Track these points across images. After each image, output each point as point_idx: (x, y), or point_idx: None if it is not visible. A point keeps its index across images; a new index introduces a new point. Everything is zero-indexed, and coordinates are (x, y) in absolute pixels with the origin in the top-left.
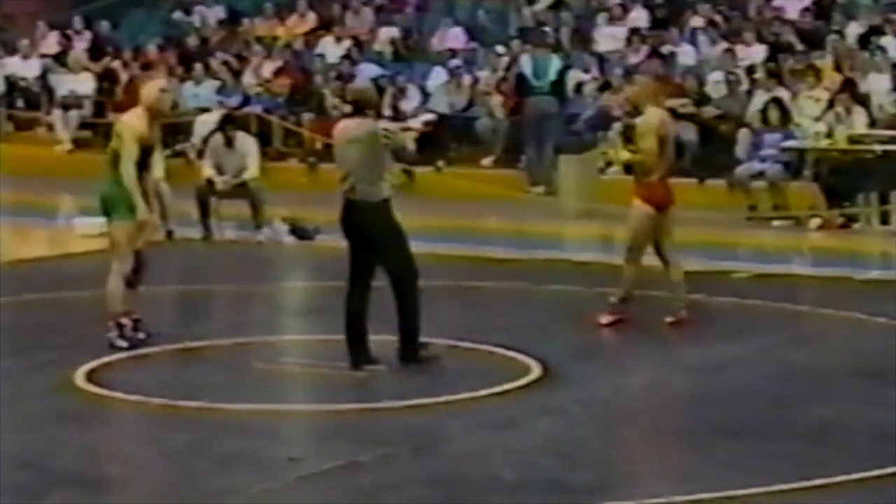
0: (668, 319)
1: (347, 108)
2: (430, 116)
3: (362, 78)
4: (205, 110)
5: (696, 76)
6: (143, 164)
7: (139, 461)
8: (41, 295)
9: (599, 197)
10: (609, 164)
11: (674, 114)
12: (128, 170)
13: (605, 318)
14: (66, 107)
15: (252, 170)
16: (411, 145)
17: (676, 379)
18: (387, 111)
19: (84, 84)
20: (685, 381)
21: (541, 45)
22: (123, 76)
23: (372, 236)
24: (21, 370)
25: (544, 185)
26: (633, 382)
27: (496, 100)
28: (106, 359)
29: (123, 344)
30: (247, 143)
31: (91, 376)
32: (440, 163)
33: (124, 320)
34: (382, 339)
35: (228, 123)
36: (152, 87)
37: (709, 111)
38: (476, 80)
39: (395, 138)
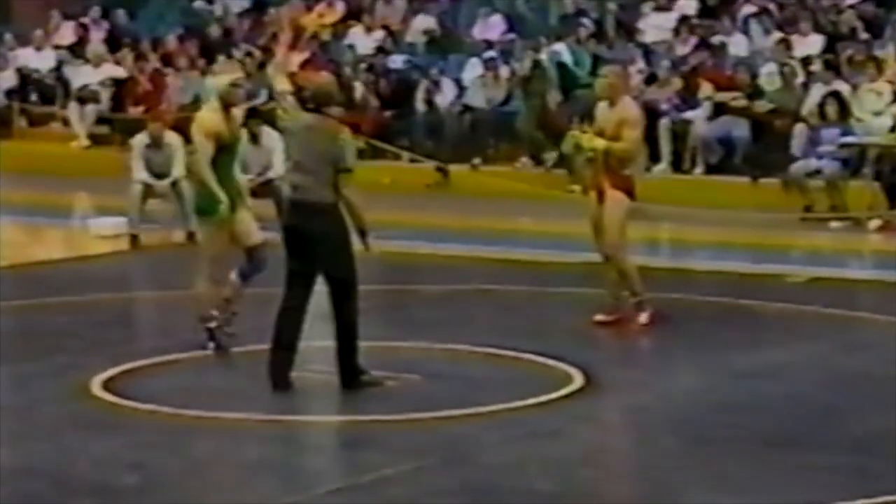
0: (600, 318)
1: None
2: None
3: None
4: None
5: (749, 68)
6: (229, 161)
7: (158, 471)
8: (56, 298)
9: (642, 195)
10: (578, 147)
11: (725, 108)
12: (202, 166)
13: (643, 318)
14: (82, 101)
15: (278, 168)
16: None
17: (724, 386)
18: (421, 106)
19: (102, 77)
20: (733, 388)
21: (567, 35)
22: (146, 68)
23: (319, 242)
24: (35, 376)
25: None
26: (678, 390)
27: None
28: (124, 366)
29: (212, 346)
30: (273, 140)
31: (108, 384)
32: (476, 160)
33: (213, 324)
34: (412, 346)
35: (253, 118)
36: (221, 81)
37: (762, 105)
38: (514, 73)
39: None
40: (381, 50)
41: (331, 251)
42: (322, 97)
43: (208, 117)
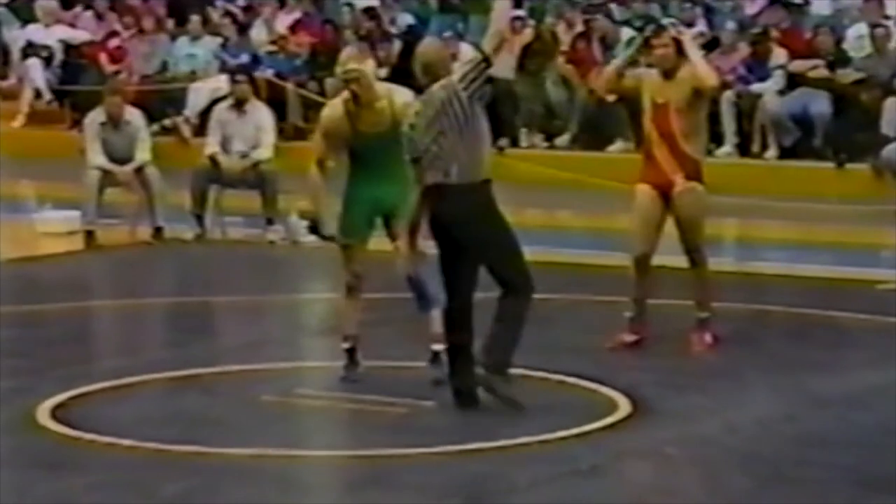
0: (628, 338)
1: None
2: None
3: (429, 37)
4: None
5: (832, 30)
6: (364, 167)
7: None
8: None
9: (705, 185)
10: (636, 61)
11: (802, 79)
12: (311, 171)
13: (708, 338)
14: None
15: (266, 147)
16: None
17: (803, 415)
18: None
19: (54, 40)
20: (815, 417)
21: None
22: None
23: (471, 228)
24: None
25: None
26: (747, 419)
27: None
28: (77, 390)
29: (343, 371)
30: (261, 114)
31: (58, 412)
32: (502, 142)
33: (347, 344)
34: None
35: (240, 78)
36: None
37: (847, 75)
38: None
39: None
40: (372, 14)
41: (489, 242)
42: (435, 67)
43: (326, 108)
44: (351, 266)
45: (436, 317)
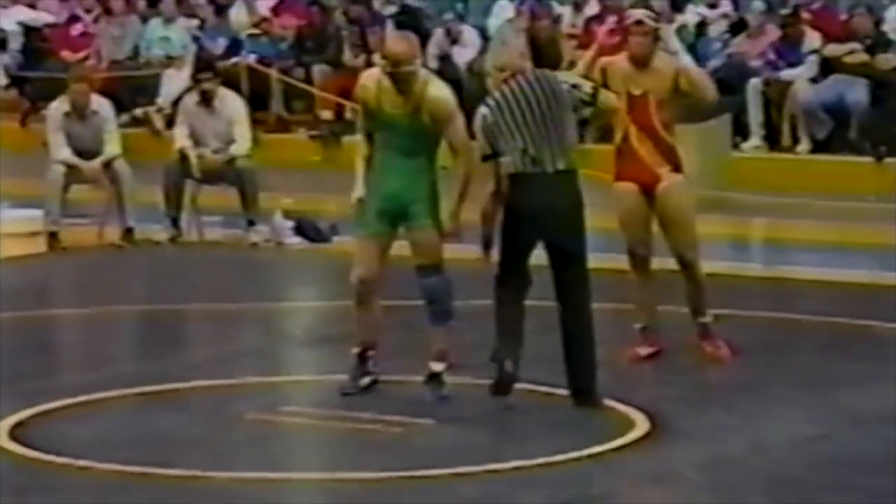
0: (643, 351)
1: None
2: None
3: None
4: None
5: (870, 11)
6: (388, 144)
7: None
8: None
9: (730, 181)
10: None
11: (837, 65)
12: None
13: (721, 345)
14: None
15: (242, 141)
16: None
17: (837, 434)
18: (433, 62)
19: (13, 22)
20: (850, 436)
21: None
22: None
23: (571, 219)
24: None
25: None
26: (776, 438)
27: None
28: (41, 407)
29: (359, 381)
30: (233, 105)
31: (17, 431)
32: None
33: (356, 350)
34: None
35: (205, 72)
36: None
37: (887, 61)
38: (556, 20)
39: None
40: None
41: (581, 237)
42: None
43: (362, 76)
44: (357, 268)
45: (443, 332)
